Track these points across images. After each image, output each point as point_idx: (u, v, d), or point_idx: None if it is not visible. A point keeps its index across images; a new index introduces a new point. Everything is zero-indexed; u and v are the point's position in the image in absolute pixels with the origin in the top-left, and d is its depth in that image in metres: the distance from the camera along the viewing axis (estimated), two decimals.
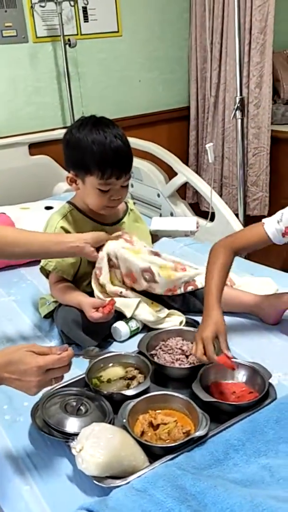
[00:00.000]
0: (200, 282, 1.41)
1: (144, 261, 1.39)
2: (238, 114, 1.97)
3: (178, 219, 1.80)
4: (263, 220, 1.30)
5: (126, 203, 1.59)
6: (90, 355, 1.12)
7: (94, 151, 1.33)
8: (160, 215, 2.29)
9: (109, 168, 1.33)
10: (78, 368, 1.15)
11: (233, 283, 1.49)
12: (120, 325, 1.37)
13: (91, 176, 1.36)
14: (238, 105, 1.93)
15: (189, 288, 1.41)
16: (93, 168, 1.34)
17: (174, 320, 1.38)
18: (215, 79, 2.73)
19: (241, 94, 2.00)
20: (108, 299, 1.34)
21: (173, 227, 1.59)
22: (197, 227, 1.57)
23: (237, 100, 1.96)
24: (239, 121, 1.99)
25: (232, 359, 1.10)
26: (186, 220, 1.65)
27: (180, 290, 1.41)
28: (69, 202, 1.51)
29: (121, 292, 1.40)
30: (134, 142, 2.28)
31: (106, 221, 1.51)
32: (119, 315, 1.39)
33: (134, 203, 1.66)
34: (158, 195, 2.30)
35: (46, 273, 1.47)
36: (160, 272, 1.39)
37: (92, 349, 1.12)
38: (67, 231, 1.45)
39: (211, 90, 2.76)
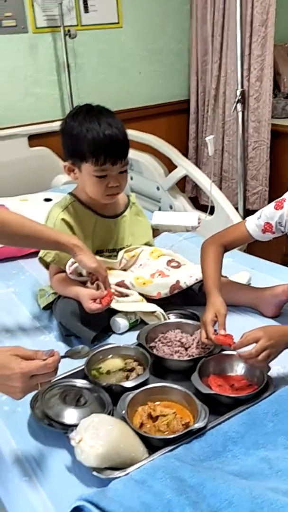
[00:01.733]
0: (184, 282, 1.42)
1: (117, 276, 1.44)
2: (239, 107, 1.95)
3: (180, 214, 1.79)
4: (246, 218, 1.37)
5: (128, 196, 1.58)
6: (78, 356, 1.06)
7: (88, 138, 1.33)
8: (160, 209, 2.29)
9: (102, 154, 1.33)
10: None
11: None
12: (119, 318, 1.37)
13: (86, 163, 1.36)
14: (239, 97, 1.91)
15: (176, 291, 1.42)
16: (87, 155, 1.35)
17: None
18: (215, 72, 2.72)
19: (242, 87, 1.98)
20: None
21: (174, 222, 1.59)
22: (199, 222, 1.57)
23: (238, 93, 1.95)
24: (240, 114, 1.98)
25: (230, 336, 1.11)
26: (188, 215, 1.64)
27: (166, 294, 1.42)
28: (70, 194, 1.51)
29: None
30: (134, 134, 2.27)
31: (108, 214, 1.51)
32: None
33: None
34: (158, 188, 2.29)
35: (45, 264, 1.47)
36: (134, 282, 1.42)
37: (81, 348, 1.08)
38: (68, 223, 1.44)
39: (212, 83, 2.74)
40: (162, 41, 2.83)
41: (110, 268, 1.48)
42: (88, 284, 1.36)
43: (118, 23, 2.66)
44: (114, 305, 1.35)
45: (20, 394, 0.89)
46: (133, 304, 1.39)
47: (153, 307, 1.37)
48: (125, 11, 2.66)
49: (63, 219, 1.44)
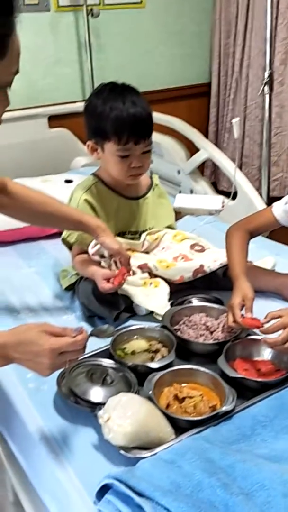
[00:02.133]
0: (208, 267, 1.40)
1: (140, 259, 1.42)
2: (266, 89, 1.91)
3: (203, 197, 1.76)
4: (273, 203, 1.35)
5: (151, 177, 1.56)
6: (104, 334, 1.06)
7: (111, 116, 1.31)
8: (180, 192, 2.26)
9: (126, 133, 1.31)
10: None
11: None
12: None
13: (109, 143, 1.34)
14: (267, 80, 1.86)
15: (199, 275, 1.40)
16: (110, 134, 1.33)
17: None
18: (238, 54, 2.67)
19: (270, 69, 1.94)
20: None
21: (197, 205, 1.56)
22: (223, 206, 1.54)
23: (266, 75, 1.90)
24: (267, 96, 1.94)
25: (257, 319, 1.11)
26: (212, 198, 1.61)
27: (189, 278, 1.40)
28: (93, 175, 1.49)
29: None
30: (156, 116, 2.22)
31: (131, 195, 1.49)
32: None
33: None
34: (179, 172, 2.26)
35: (68, 245, 1.46)
36: (157, 265, 1.40)
37: (107, 327, 1.07)
38: (91, 204, 1.43)
39: (234, 66, 2.69)
40: (184, 23, 2.79)
41: (133, 250, 1.47)
42: (103, 263, 1.35)
43: (141, 2, 2.61)
44: (122, 291, 1.33)
45: (48, 371, 0.88)
46: (140, 298, 1.35)
47: (153, 306, 1.33)
48: None
49: (86, 200, 1.43)
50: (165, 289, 1.38)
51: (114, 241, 1.31)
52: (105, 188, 1.47)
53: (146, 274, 1.41)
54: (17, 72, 0.84)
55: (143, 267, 1.42)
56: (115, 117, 1.32)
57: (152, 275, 1.42)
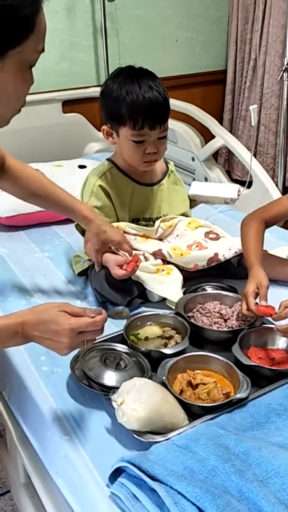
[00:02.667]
0: (222, 255, 1.39)
1: (154, 245, 1.41)
2: (286, 76, 1.87)
3: (219, 185, 1.74)
4: None
5: (166, 164, 1.55)
6: (120, 316, 1.08)
7: (127, 101, 1.30)
8: (194, 180, 2.24)
9: (141, 118, 1.30)
10: (114, 324, 1.16)
11: None
12: None
13: (124, 127, 1.33)
14: (286, 66, 1.83)
15: (213, 264, 1.39)
16: (125, 118, 1.31)
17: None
18: (256, 41, 2.62)
19: None
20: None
21: (213, 193, 1.55)
22: (238, 195, 1.53)
23: (286, 62, 1.87)
24: (286, 83, 1.90)
25: (271, 307, 1.10)
26: (227, 186, 1.60)
27: (203, 266, 1.39)
28: (108, 160, 1.48)
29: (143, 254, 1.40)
30: (171, 102, 2.20)
31: (146, 181, 1.48)
32: None
33: None
34: (193, 159, 2.24)
35: (81, 230, 1.46)
36: (171, 252, 1.39)
37: (122, 309, 1.09)
38: (105, 190, 1.43)
39: (251, 53, 2.65)
40: (201, 8, 2.73)
41: (147, 237, 1.46)
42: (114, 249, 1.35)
43: None
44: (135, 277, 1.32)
45: (66, 350, 0.88)
46: (152, 284, 1.34)
47: (166, 293, 1.32)
48: None
49: (100, 186, 1.42)
50: (177, 276, 1.37)
51: (117, 232, 1.32)
52: (120, 174, 1.46)
53: (159, 261, 1.41)
54: (42, 50, 0.84)
55: (157, 254, 1.41)
56: (130, 102, 1.30)
57: (165, 261, 1.41)
